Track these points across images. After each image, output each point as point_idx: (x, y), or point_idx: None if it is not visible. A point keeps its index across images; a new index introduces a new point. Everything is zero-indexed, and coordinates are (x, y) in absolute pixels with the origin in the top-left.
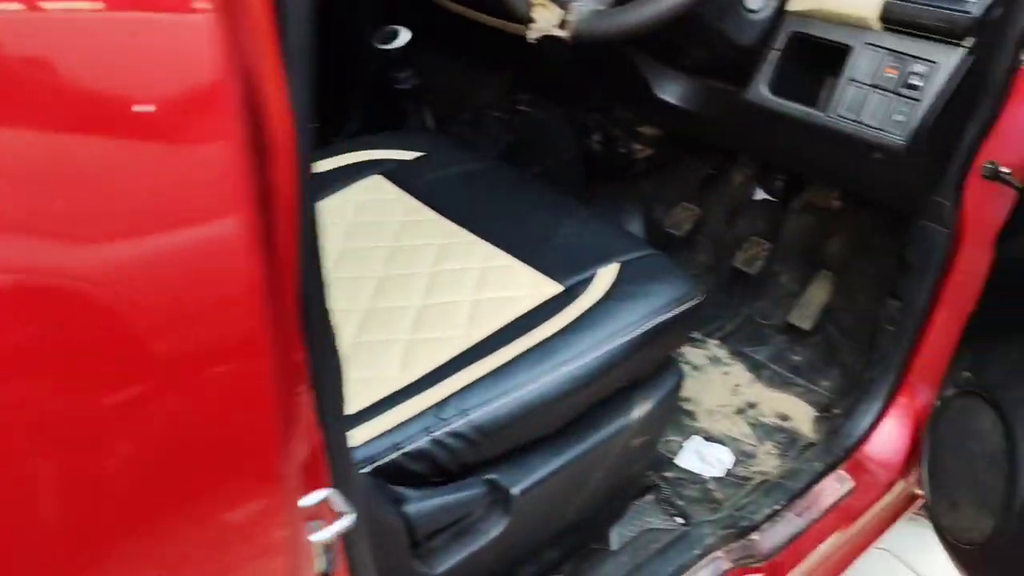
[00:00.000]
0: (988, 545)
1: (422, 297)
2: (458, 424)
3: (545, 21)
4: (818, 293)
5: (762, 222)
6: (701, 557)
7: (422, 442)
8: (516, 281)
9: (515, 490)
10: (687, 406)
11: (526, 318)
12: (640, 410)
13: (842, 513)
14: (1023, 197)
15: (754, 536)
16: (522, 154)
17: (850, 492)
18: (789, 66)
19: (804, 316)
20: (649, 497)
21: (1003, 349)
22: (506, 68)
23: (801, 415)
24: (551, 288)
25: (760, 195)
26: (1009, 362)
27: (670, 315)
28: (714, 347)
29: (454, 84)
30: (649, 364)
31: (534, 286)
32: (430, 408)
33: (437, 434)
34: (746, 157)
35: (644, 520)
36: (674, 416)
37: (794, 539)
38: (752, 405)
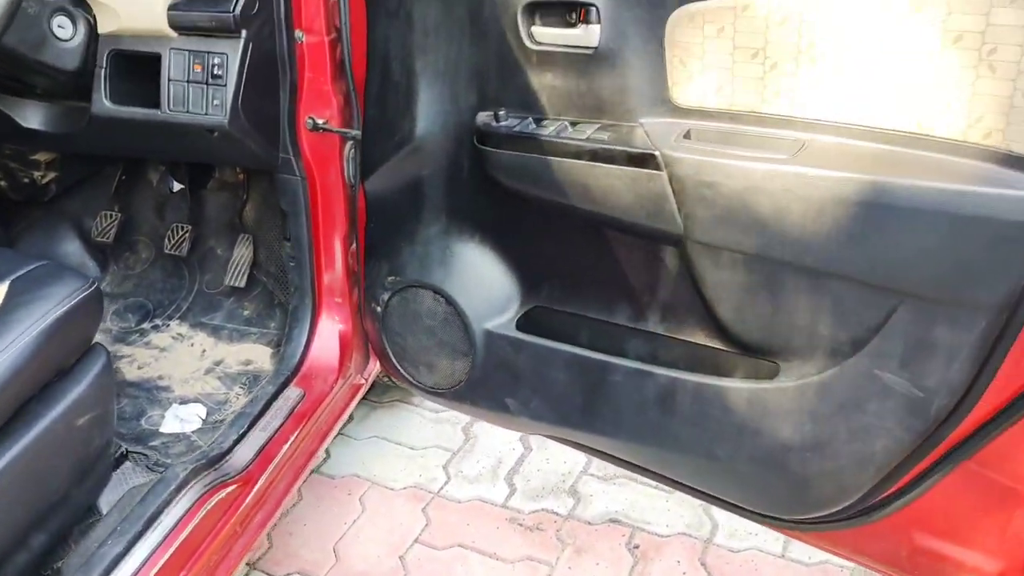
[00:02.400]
0: (469, 380)
1: None
2: None
3: None
4: (244, 253)
5: (186, 209)
6: (178, 491)
7: None
8: None
9: None
10: (163, 383)
11: None
12: (73, 394)
13: (297, 418)
14: (351, 143)
15: (227, 460)
16: None
17: (300, 400)
18: (119, 78)
19: (238, 276)
20: (128, 464)
21: (409, 250)
22: None
23: (260, 355)
24: None
25: (177, 186)
26: (418, 257)
27: (66, 308)
28: (176, 326)
29: None
30: (66, 353)
31: None
32: None
33: None
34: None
35: (128, 483)
36: (130, 392)
37: (260, 451)
38: (218, 362)
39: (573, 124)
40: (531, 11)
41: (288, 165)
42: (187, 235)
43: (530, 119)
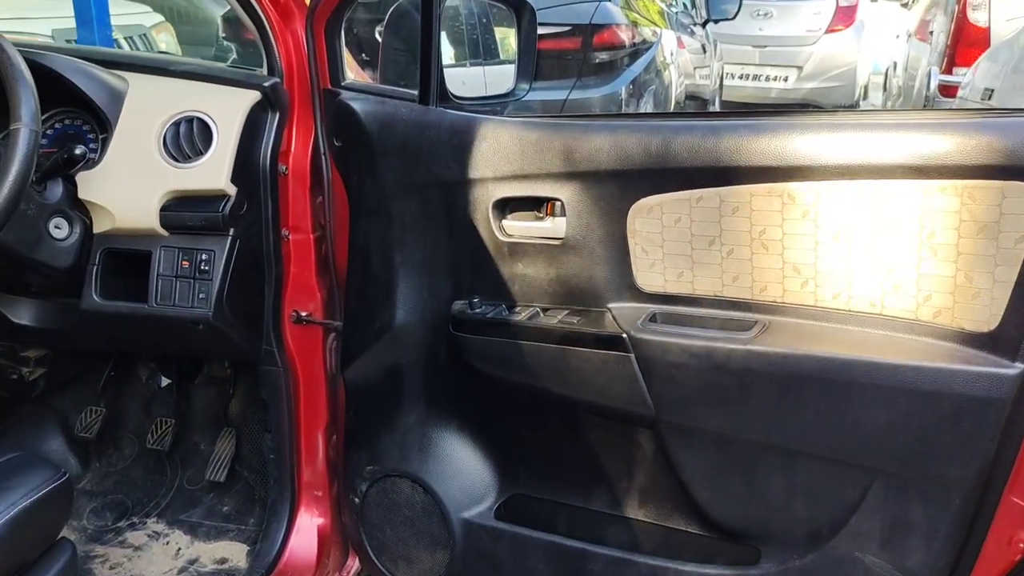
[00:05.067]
0: (449, 574)
1: None
2: None
3: None
4: (226, 447)
5: (172, 403)
6: None
7: None
8: None
9: None
10: None
11: None
12: None
13: None
14: (334, 335)
15: None
16: None
17: None
18: (108, 274)
19: (218, 470)
20: None
21: (388, 439)
22: None
23: (237, 553)
24: None
25: (165, 382)
26: (396, 446)
27: (33, 499)
28: (153, 524)
29: None
30: (30, 547)
31: None
32: None
33: None
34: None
35: None
36: None
37: None
38: (193, 561)
39: (544, 310)
40: (502, 206)
41: (271, 357)
42: (170, 429)
43: (503, 306)
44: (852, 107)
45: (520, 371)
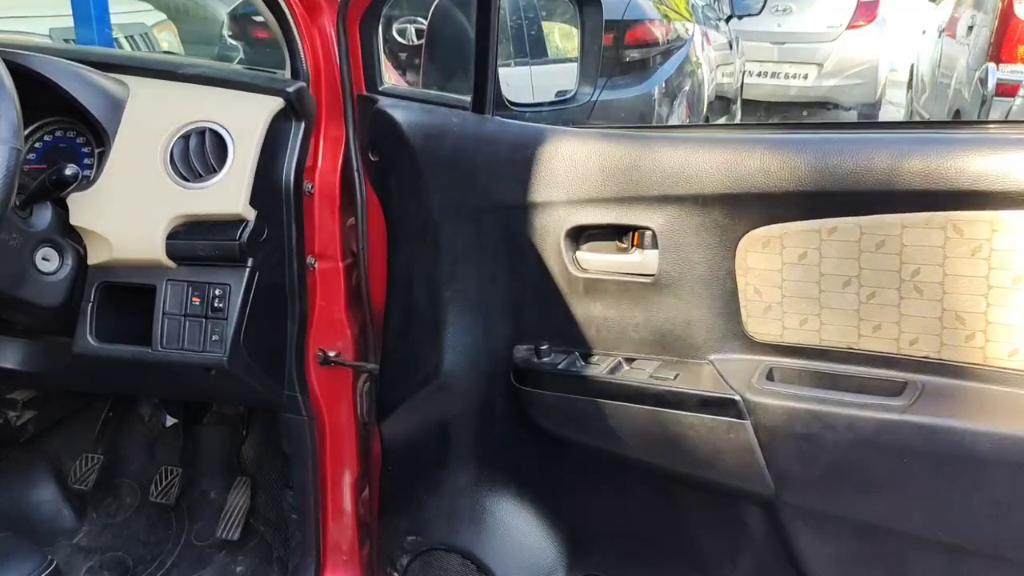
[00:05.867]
0: None
1: None
2: None
3: None
4: (240, 500)
5: (178, 447)
6: None
7: None
8: None
9: None
10: None
11: None
12: None
13: None
14: (365, 376)
15: None
16: None
17: None
18: (106, 312)
19: (231, 527)
20: None
21: (433, 504)
22: None
23: None
24: None
25: (170, 421)
26: (444, 514)
27: None
28: None
29: None
30: None
31: None
32: None
33: None
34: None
35: None
36: None
37: None
38: None
39: (628, 361)
40: (576, 236)
41: (294, 403)
42: (176, 479)
43: (577, 355)
44: (874, 106)
45: (599, 434)
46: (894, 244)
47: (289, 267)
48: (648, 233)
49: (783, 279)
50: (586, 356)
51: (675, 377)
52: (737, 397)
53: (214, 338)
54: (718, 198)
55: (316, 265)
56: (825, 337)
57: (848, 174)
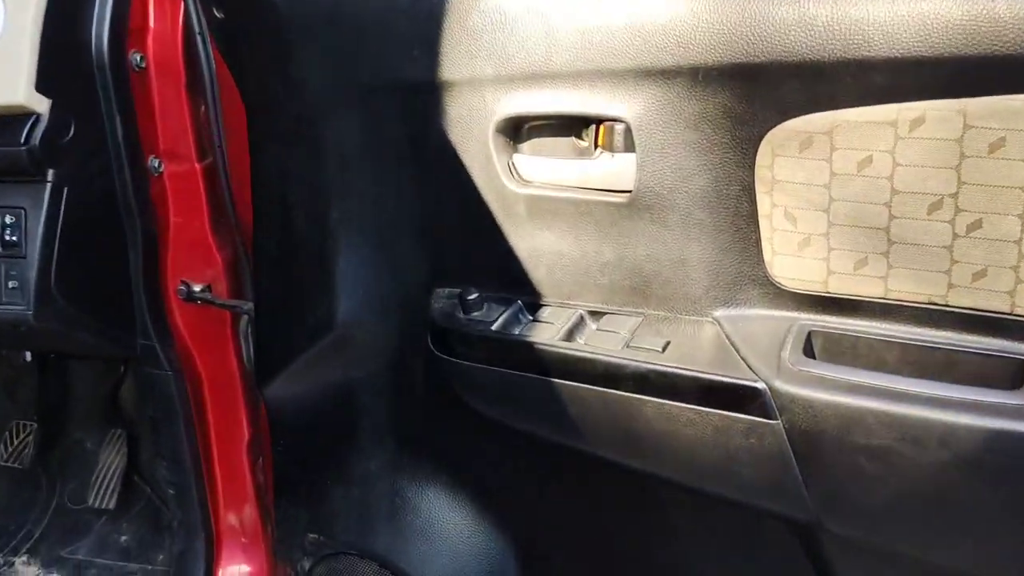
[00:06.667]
0: None
1: None
2: None
3: None
4: (114, 459)
5: (34, 388)
6: None
7: None
8: None
9: None
10: None
11: None
12: None
13: None
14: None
15: None
16: None
17: None
18: None
19: (105, 494)
20: None
21: (339, 494)
22: None
23: None
24: None
25: (27, 355)
26: (354, 507)
27: None
28: (23, 567)
29: None
30: None
31: None
32: None
33: None
34: None
35: None
36: None
37: None
38: None
39: (594, 316)
40: (512, 130)
41: (151, 354)
42: (30, 437)
43: (519, 305)
44: None
45: (555, 428)
46: (1018, 146)
47: (120, 174)
48: (620, 127)
49: (830, 198)
50: (532, 307)
51: (664, 348)
52: (761, 386)
53: (11, 285)
54: (728, 70)
55: (163, 168)
56: (895, 287)
57: (948, 28)
